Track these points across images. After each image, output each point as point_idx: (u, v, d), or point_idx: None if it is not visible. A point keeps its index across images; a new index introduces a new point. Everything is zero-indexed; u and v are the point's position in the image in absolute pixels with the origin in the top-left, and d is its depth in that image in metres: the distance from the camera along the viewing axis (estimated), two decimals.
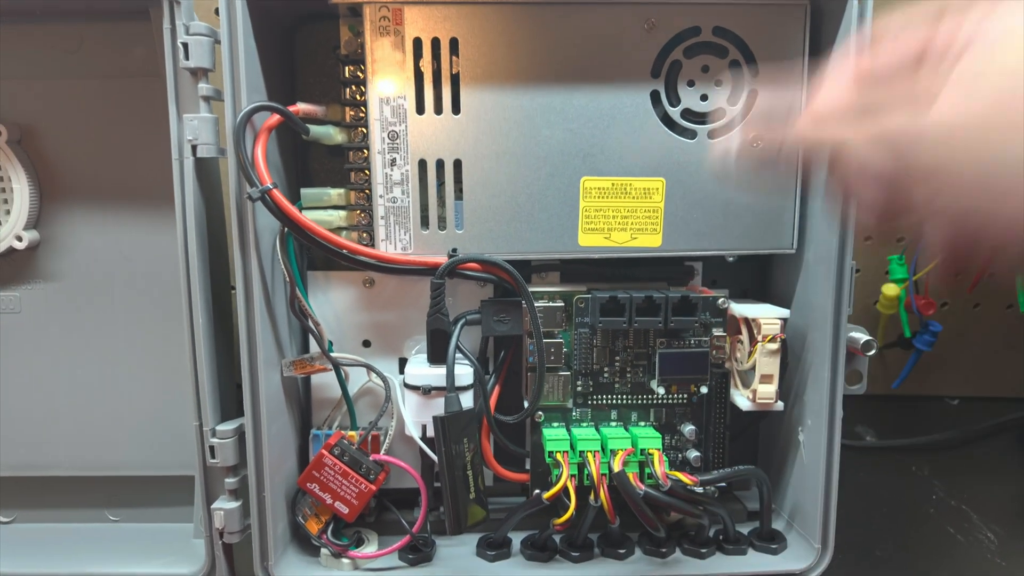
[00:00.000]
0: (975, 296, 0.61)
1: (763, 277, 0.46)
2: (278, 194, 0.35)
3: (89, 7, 0.41)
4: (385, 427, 0.42)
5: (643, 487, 0.37)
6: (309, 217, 0.39)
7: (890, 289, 0.55)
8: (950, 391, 0.66)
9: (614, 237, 0.40)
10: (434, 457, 0.40)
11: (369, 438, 0.41)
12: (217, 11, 0.49)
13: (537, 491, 0.40)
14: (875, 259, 0.59)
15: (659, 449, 0.39)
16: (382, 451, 0.41)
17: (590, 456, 0.38)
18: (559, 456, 0.39)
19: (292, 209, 0.36)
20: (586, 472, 0.39)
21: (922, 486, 0.56)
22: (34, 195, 0.43)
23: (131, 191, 0.43)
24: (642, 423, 0.42)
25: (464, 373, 0.39)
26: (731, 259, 0.42)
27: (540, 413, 0.41)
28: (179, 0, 0.35)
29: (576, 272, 0.43)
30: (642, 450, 0.39)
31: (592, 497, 0.38)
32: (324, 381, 0.43)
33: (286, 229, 0.38)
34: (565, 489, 0.38)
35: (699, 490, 0.38)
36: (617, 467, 0.37)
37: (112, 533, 0.46)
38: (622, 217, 0.40)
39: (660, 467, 0.37)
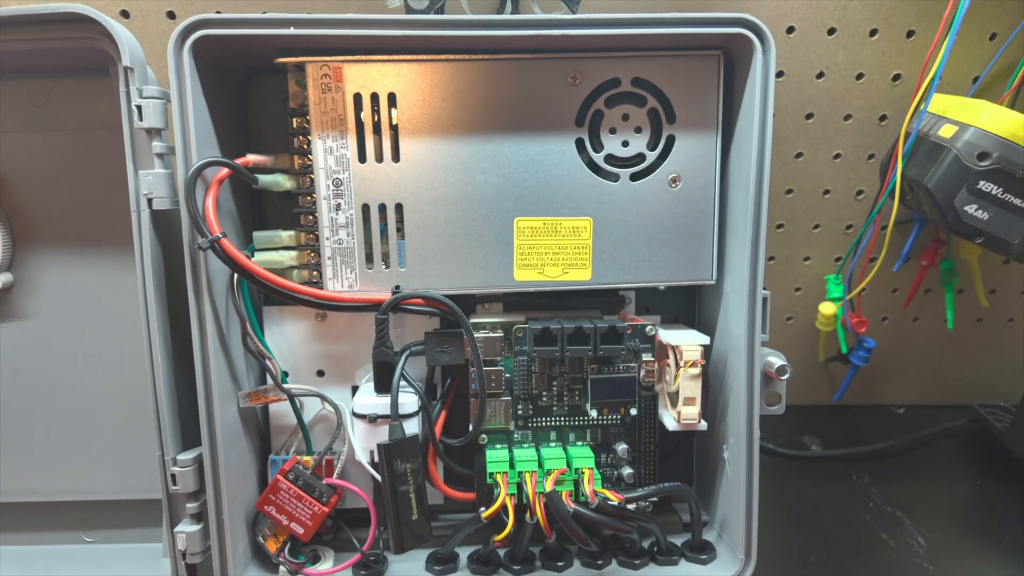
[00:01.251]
0: (913, 311, 0.64)
1: (692, 304, 0.49)
2: (227, 243, 0.38)
3: (54, 64, 0.44)
4: (338, 452, 0.45)
5: (573, 505, 0.40)
6: (261, 258, 0.42)
7: (827, 308, 0.58)
8: (896, 400, 0.69)
9: (547, 272, 0.43)
10: (380, 480, 0.43)
11: (323, 462, 0.44)
12: None
13: (483, 508, 0.43)
14: (815, 279, 0.62)
15: (591, 468, 0.42)
16: (335, 474, 0.44)
17: (527, 476, 0.41)
18: (498, 477, 0.42)
19: (241, 256, 0.39)
20: (524, 491, 0.41)
21: (861, 493, 0.58)
22: (6, 240, 0.46)
23: (98, 235, 0.46)
24: (579, 443, 0.45)
25: (409, 401, 0.42)
26: (661, 287, 0.45)
27: (484, 436, 0.44)
28: (131, 67, 0.38)
29: (518, 302, 0.46)
30: (576, 469, 0.42)
31: (528, 515, 0.41)
32: (281, 409, 0.46)
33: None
34: (504, 507, 0.41)
35: (630, 507, 0.41)
36: (548, 487, 0.40)
37: (88, 554, 0.49)
38: (553, 253, 0.43)
39: (589, 486, 0.40)
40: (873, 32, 0.54)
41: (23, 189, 0.46)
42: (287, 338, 0.46)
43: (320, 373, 0.46)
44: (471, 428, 0.44)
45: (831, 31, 0.54)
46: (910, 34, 0.54)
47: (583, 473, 0.41)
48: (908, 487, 0.59)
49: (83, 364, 0.47)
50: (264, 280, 0.39)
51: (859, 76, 0.55)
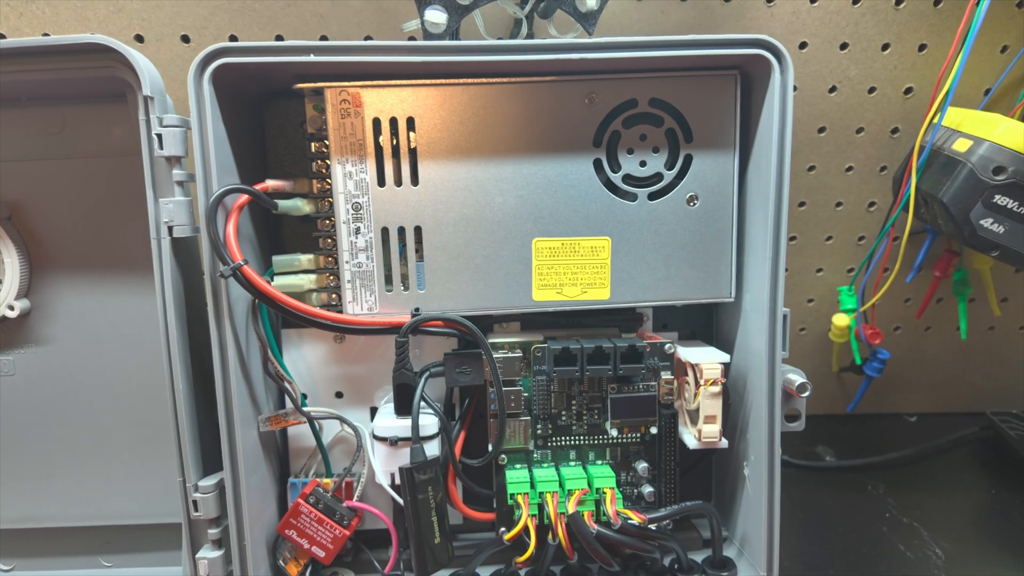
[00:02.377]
0: (926, 320, 0.64)
1: (710, 320, 0.49)
2: (249, 270, 0.38)
3: (71, 92, 0.44)
4: (358, 473, 0.45)
5: (595, 527, 0.40)
6: (280, 282, 0.42)
7: (840, 319, 0.58)
8: (908, 409, 0.69)
9: (566, 292, 0.43)
10: (402, 503, 0.43)
11: (343, 484, 0.44)
12: None
13: (503, 529, 0.43)
14: (828, 291, 0.62)
15: (612, 488, 0.42)
16: (355, 497, 0.44)
17: (548, 497, 0.41)
18: (519, 498, 0.42)
19: (262, 283, 0.39)
20: (546, 511, 0.42)
21: (876, 504, 0.59)
22: (24, 267, 0.46)
23: (115, 261, 0.46)
24: (599, 461, 0.45)
25: (429, 423, 0.42)
26: (679, 305, 0.45)
27: (503, 456, 0.44)
28: (152, 96, 0.38)
29: (535, 321, 0.46)
30: (597, 488, 0.42)
31: (551, 536, 0.41)
32: (300, 431, 0.46)
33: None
34: (525, 529, 0.41)
35: (652, 526, 0.41)
36: (571, 509, 0.40)
37: None
38: (572, 273, 0.43)
39: (612, 507, 0.40)
40: (885, 47, 0.55)
41: (40, 215, 0.46)
42: (305, 360, 0.46)
43: (339, 395, 0.46)
44: (491, 448, 0.44)
45: (843, 46, 0.55)
46: (921, 48, 0.55)
47: (604, 493, 0.41)
48: (923, 497, 0.60)
49: (100, 389, 0.47)
50: (287, 307, 0.39)
51: (871, 90, 0.56)
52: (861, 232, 0.60)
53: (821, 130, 0.57)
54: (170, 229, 0.39)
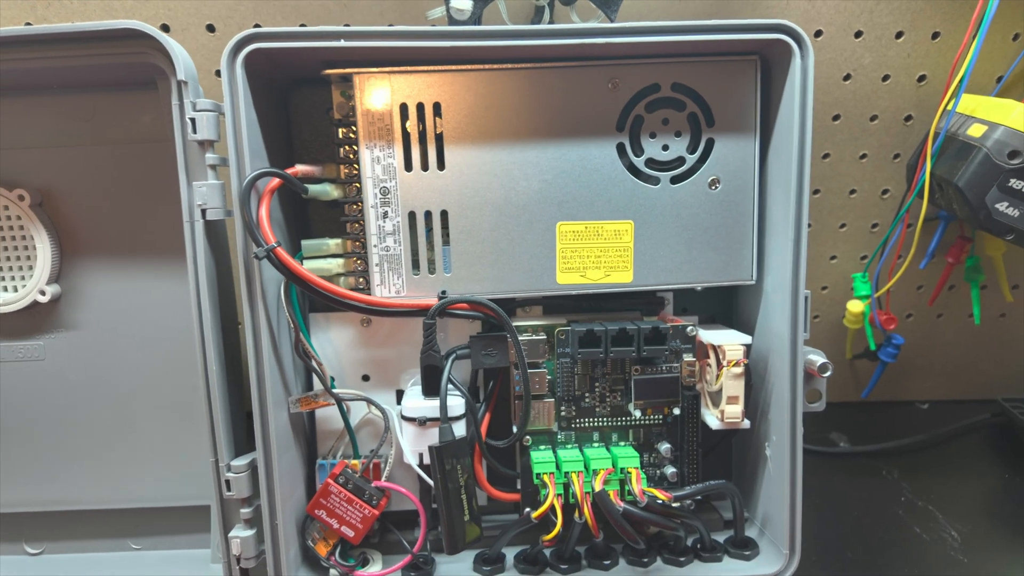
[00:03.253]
0: (938, 307, 0.65)
1: (729, 303, 0.50)
2: (282, 252, 0.39)
3: (101, 79, 0.44)
4: (385, 455, 0.46)
5: (622, 504, 0.41)
6: (309, 266, 0.42)
7: (855, 305, 0.59)
8: (920, 396, 0.70)
9: (589, 275, 0.44)
10: (431, 483, 0.43)
11: (371, 466, 0.45)
12: (218, 73, 0.53)
13: (528, 509, 0.44)
14: (841, 278, 0.63)
15: (637, 467, 0.42)
16: (383, 477, 0.45)
17: (574, 476, 0.42)
18: (545, 477, 0.42)
19: (296, 264, 0.39)
20: (571, 491, 0.42)
21: (891, 488, 0.59)
22: (55, 253, 0.46)
23: (143, 246, 0.47)
24: (622, 443, 0.46)
25: (456, 404, 0.43)
26: (699, 288, 0.46)
27: (528, 437, 0.45)
28: (186, 81, 0.39)
29: (557, 305, 0.47)
30: (622, 469, 0.43)
31: (577, 514, 0.42)
32: (327, 414, 0.47)
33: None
34: (552, 508, 0.42)
35: (675, 505, 0.42)
36: (598, 487, 0.41)
37: (136, 561, 0.49)
38: (595, 257, 0.44)
39: (637, 485, 0.41)
40: (899, 34, 0.55)
41: (70, 202, 0.46)
42: (333, 344, 0.46)
43: (365, 378, 0.47)
44: (515, 430, 0.45)
45: (858, 34, 0.55)
46: (935, 35, 0.55)
47: (630, 473, 0.42)
48: (937, 481, 0.60)
49: (128, 374, 0.48)
50: (318, 288, 0.40)
51: (885, 77, 0.56)
52: (875, 219, 0.61)
53: (835, 118, 0.57)
54: (203, 212, 0.40)
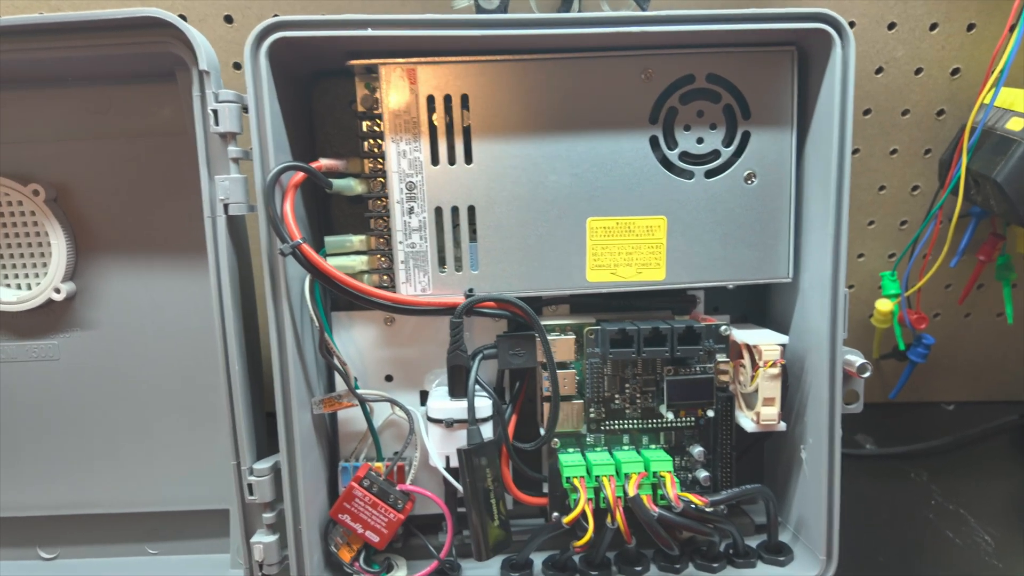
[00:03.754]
0: (966, 307, 0.63)
1: (762, 302, 0.49)
2: (307, 248, 0.38)
3: (117, 70, 0.43)
4: (409, 457, 0.44)
5: (657, 509, 0.39)
6: (333, 263, 0.41)
7: (884, 304, 0.58)
8: (946, 397, 0.68)
9: (620, 272, 0.43)
10: (458, 486, 0.42)
11: (395, 468, 0.44)
12: (236, 65, 0.52)
13: (556, 514, 0.42)
14: (868, 276, 0.61)
15: (671, 472, 0.41)
16: (408, 481, 0.44)
17: (605, 481, 0.41)
18: (576, 481, 0.41)
19: (321, 261, 0.38)
20: (602, 495, 0.41)
21: (921, 491, 0.58)
22: (70, 250, 0.45)
23: (161, 243, 0.45)
24: (653, 446, 0.44)
25: (483, 405, 0.42)
26: (731, 287, 0.44)
27: (556, 440, 0.44)
28: (208, 71, 0.37)
29: (585, 304, 0.45)
30: (654, 472, 0.41)
31: (609, 519, 0.40)
32: (349, 415, 0.45)
33: (314, 279, 0.40)
34: (583, 513, 0.41)
35: (708, 509, 0.41)
36: (632, 491, 0.40)
37: (153, 566, 0.48)
38: (627, 253, 0.42)
39: (673, 490, 0.40)
40: (933, 26, 0.54)
41: (85, 197, 0.45)
42: (355, 343, 0.45)
43: (388, 378, 0.46)
44: (542, 432, 0.43)
45: (891, 26, 0.54)
46: (970, 27, 0.54)
47: (663, 477, 0.41)
48: (967, 484, 0.59)
49: (145, 374, 0.47)
50: (345, 285, 0.39)
51: (918, 71, 0.55)
52: (904, 216, 0.59)
53: (866, 112, 0.56)
54: (226, 207, 0.39)
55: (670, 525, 0.40)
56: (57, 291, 0.45)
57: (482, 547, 0.39)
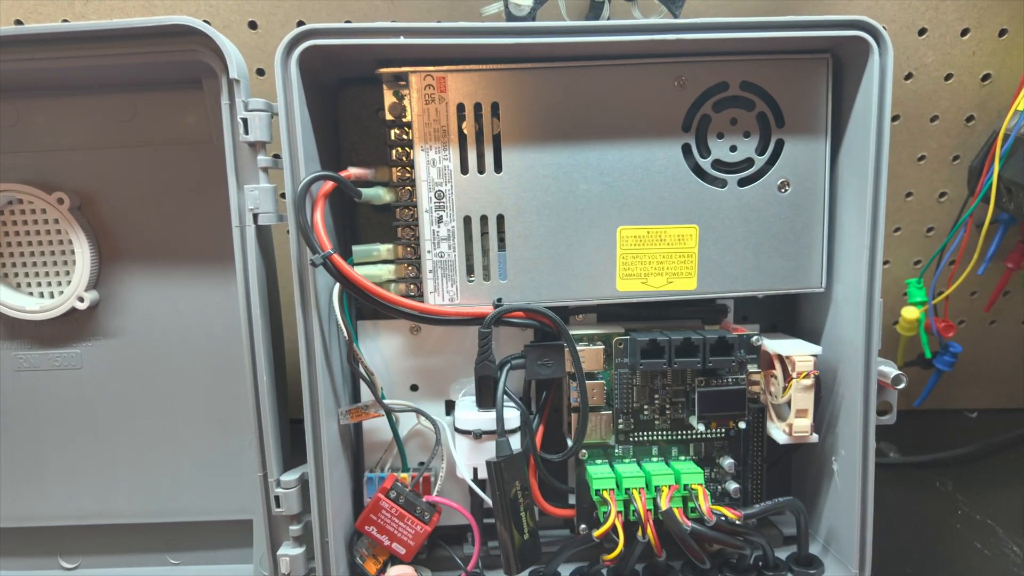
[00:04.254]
0: (991, 314, 0.63)
1: (792, 312, 0.48)
2: (339, 259, 0.37)
3: (143, 78, 0.43)
4: (435, 468, 0.44)
5: (689, 523, 0.39)
6: (361, 272, 0.41)
7: (910, 312, 0.57)
8: (969, 404, 0.68)
9: (651, 282, 0.42)
10: (486, 498, 0.42)
11: (421, 480, 0.43)
12: (259, 72, 0.51)
13: (584, 526, 0.42)
14: (893, 283, 0.61)
15: (702, 484, 0.40)
16: (434, 492, 0.43)
17: (636, 494, 0.40)
18: (606, 494, 0.41)
19: (351, 272, 0.38)
20: (632, 508, 0.40)
21: (946, 501, 0.57)
22: (94, 258, 0.45)
23: (185, 252, 0.45)
24: (682, 458, 0.44)
25: (511, 416, 0.41)
26: (761, 296, 0.44)
27: (584, 451, 0.43)
28: (238, 80, 0.37)
29: (613, 314, 0.45)
30: (685, 485, 0.41)
31: (640, 533, 0.40)
32: (374, 425, 0.45)
33: (342, 289, 0.40)
34: (613, 526, 0.40)
35: (741, 523, 0.40)
36: (664, 505, 0.39)
37: None
38: (658, 263, 0.42)
39: (705, 503, 0.39)
40: (964, 32, 0.53)
41: (109, 206, 0.45)
42: (381, 352, 0.45)
43: (414, 387, 0.45)
44: (570, 443, 0.43)
45: (922, 31, 0.53)
46: (1002, 33, 0.53)
47: (695, 490, 0.40)
48: (993, 493, 0.58)
49: (168, 384, 0.46)
50: (375, 296, 0.38)
51: (948, 76, 0.54)
52: (931, 223, 0.59)
53: (895, 118, 0.55)
54: (255, 217, 0.38)
55: (702, 539, 0.39)
56: (81, 300, 0.44)
57: (511, 560, 0.39)
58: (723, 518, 0.39)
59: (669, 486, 0.40)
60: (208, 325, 0.45)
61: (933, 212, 0.58)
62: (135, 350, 0.46)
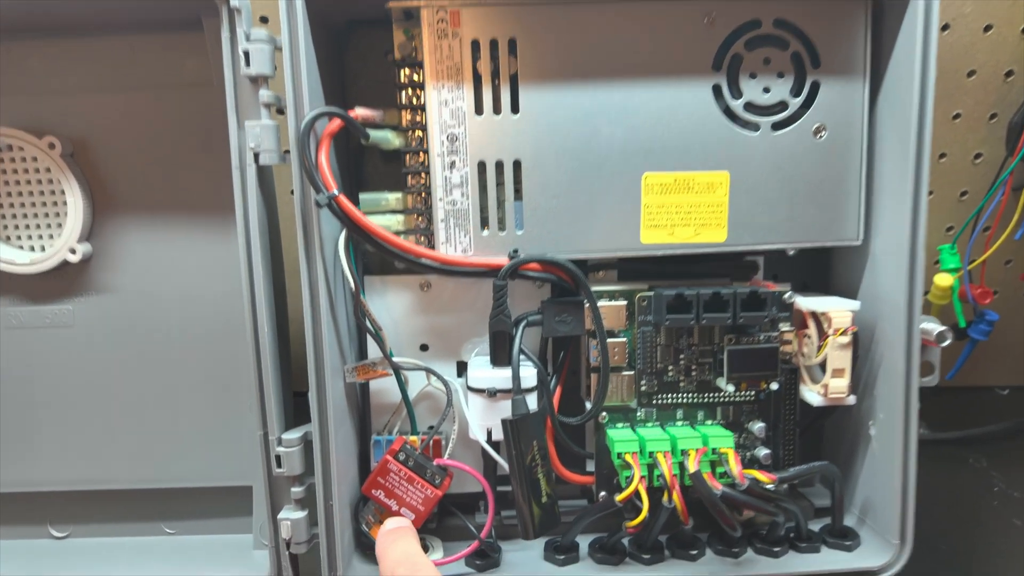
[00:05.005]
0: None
1: (824, 270, 0.46)
2: (344, 200, 0.35)
3: (140, 19, 0.40)
4: (446, 432, 0.42)
5: (720, 487, 0.36)
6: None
7: (943, 279, 0.54)
8: (1000, 380, 0.65)
9: (678, 233, 0.39)
10: (500, 460, 0.39)
11: (431, 443, 0.41)
12: (263, 19, 0.49)
13: (603, 493, 0.40)
14: (924, 249, 0.58)
15: (732, 448, 0.38)
16: (445, 455, 0.41)
17: (661, 457, 0.38)
18: (629, 458, 0.38)
19: (359, 214, 0.35)
20: (656, 473, 0.38)
21: (981, 478, 0.55)
22: (87, 208, 0.42)
23: (184, 202, 0.43)
24: (709, 421, 0.41)
25: (528, 375, 0.39)
26: (791, 252, 0.41)
27: (604, 414, 0.41)
28: (239, 8, 0.35)
29: (633, 271, 0.42)
30: (714, 449, 0.38)
31: (665, 498, 0.37)
32: (382, 386, 0.43)
33: (349, 236, 0.37)
34: (637, 491, 0.38)
35: (773, 487, 0.38)
36: (693, 467, 0.37)
37: (170, 546, 0.45)
38: (685, 213, 0.39)
39: (737, 466, 0.37)
40: None
41: (104, 153, 0.42)
42: (389, 310, 0.42)
43: (424, 347, 0.43)
44: (588, 405, 0.40)
45: None
46: None
47: (725, 454, 0.38)
48: None
49: (166, 341, 0.44)
50: (383, 241, 0.36)
51: (987, 28, 0.52)
52: (964, 186, 0.56)
53: None
54: (256, 156, 0.36)
55: (733, 504, 0.37)
56: (72, 252, 0.42)
57: (529, 525, 0.37)
58: (755, 481, 0.37)
59: (697, 449, 0.38)
60: (208, 279, 0.43)
61: (967, 174, 0.56)
62: (130, 306, 0.44)
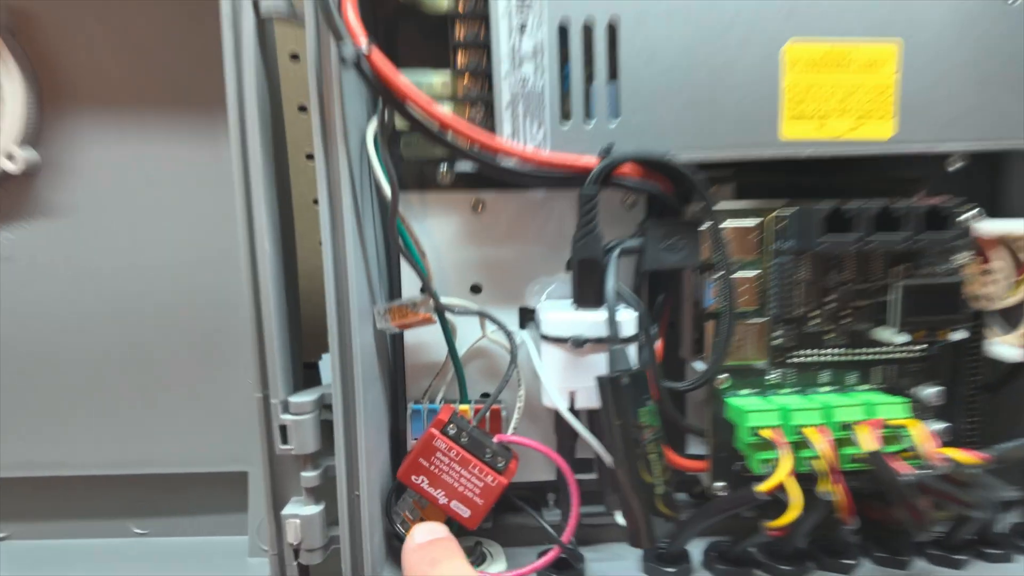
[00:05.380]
0: None
1: (992, 190, 0.35)
2: (380, 56, 0.24)
3: None
4: (508, 401, 0.31)
5: (913, 470, 0.26)
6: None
7: None
8: None
9: (830, 125, 0.29)
10: (588, 437, 0.29)
11: (486, 416, 0.30)
12: None
13: (722, 483, 0.29)
14: None
15: (915, 420, 0.27)
16: (508, 430, 0.30)
17: (813, 433, 0.27)
18: (769, 434, 0.28)
19: (401, 79, 0.25)
20: (803, 456, 0.27)
21: None
22: (32, 102, 0.32)
23: (157, 96, 0.32)
24: (863, 386, 0.31)
25: (627, 319, 0.28)
26: (957, 165, 0.31)
27: (725, 376, 0.30)
28: None
29: (756, 187, 0.32)
30: (885, 422, 0.28)
31: (821, 488, 0.27)
32: (419, 342, 0.32)
33: (381, 121, 0.27)
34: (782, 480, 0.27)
35: (977, 470, 0.27)
36: (871, 445, 0.26)
37: (139, 550, 0.35)
38: (840, 98, 0.29)
39: (930, 443, 0.26)
40: None
41: (54, 30, 0.32)
42: (431, 238, 0.32)
43: (475, 289, 0.32)
44: (704, 365, 0.30)
45: None
46: None
47: (904, 428, 0.27)
48: None
49: (135, 282, 0.34)
50: (432, 116, 0.25)
51: None
52: None
53: None
54: (256, 5, 0.25)
55: (928, 493, 0.26)
56: (10, 158, 0.32)
57: (643, 528, 0.26)
58: (957, 465, 0.26)
59: (870, 421, 0.27)
60: (188, 193, 0.32)
61: None
62: (89, 234, 0.33)
